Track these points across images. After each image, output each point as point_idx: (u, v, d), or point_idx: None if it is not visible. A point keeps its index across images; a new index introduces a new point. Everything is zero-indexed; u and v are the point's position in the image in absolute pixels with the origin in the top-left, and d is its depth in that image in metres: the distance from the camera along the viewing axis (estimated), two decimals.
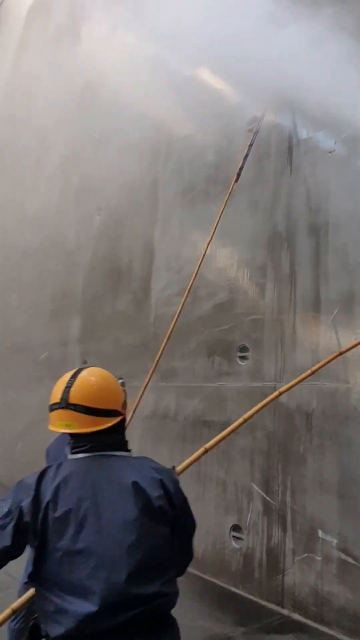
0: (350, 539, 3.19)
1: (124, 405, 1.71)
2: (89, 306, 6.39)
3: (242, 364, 4.18)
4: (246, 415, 2.29)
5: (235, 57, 4.56)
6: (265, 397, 3.93)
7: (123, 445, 1.67)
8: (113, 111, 6.46)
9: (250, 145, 4.17)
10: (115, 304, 5.90)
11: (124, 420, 1.70)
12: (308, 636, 3.21)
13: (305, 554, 3.42)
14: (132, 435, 2.02)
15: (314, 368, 2.92)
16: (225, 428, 4.22)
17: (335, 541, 3.26)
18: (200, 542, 4.24)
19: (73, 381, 1.63)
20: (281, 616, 3.45)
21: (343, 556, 3.20)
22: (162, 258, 5.33)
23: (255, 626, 3.36)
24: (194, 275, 3.93)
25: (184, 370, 4.76)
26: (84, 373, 1.66)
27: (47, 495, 1.48)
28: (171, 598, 1.50)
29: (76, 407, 1.59)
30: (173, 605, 1.51)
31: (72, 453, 1.61)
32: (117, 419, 1.65)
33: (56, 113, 7.94)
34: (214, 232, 4.03)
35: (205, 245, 3.97)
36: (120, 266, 5.93)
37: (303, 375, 2.82)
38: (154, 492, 1.52)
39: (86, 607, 1.35)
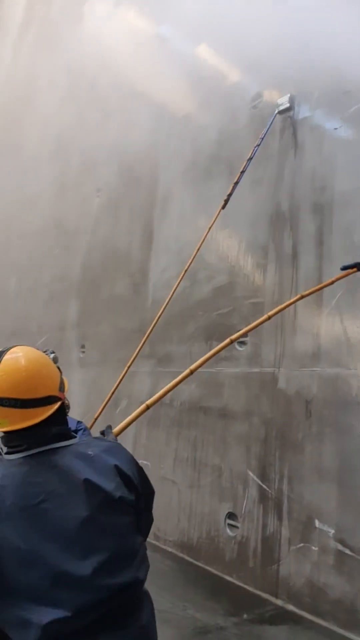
0: (348, 530, 3.09)
1: (61, 386, 1.46)
2: (87, 289, 6.27)
3: (241, 349, 4.05)
4: (192, 367, 2.15)
5: (238, 34, 4.42)
6: (264, 383, 3.84)
7: (66, 435, 1.44)
8: (114, 90, 6.32)
9: (258, 145, 4.02)
10: (113, 287, 5.78)
11: (63, 404, 1.46)
12: (302, 627, 3.12)
13: (301, 544, 3.32)
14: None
15: (270, 313, 2.79)
16: (222, 414, 4.18)
17: (333, 531, 3.16)
18: (194, 530, 4.15)
19: None
20: (275, 607, 3.36)
21: (340, 547, 3.10)
22: (161, 240, 5.20)
23: (248, 616, 3.27)
24: (191, 259, 3.80)
25: (181, 356, 4.64)
26: (7, 357, 1.38)
27: None
28: (144, 578, 1.38)
29: (3, 402, 1.33)
30: (145, 581, 1.39)
31: (7, 453, 1.39)
32: (55, 406, 1.40)
33: (57, 93, 7.79)
34: (215, 218, 3.90)
35: (206, 231, 3.84)
36: (118, 248, 5.80)
37: (259, 320, 2.70)
38: (111, 484, 1.35)
39: (56, 613, 1.21)
